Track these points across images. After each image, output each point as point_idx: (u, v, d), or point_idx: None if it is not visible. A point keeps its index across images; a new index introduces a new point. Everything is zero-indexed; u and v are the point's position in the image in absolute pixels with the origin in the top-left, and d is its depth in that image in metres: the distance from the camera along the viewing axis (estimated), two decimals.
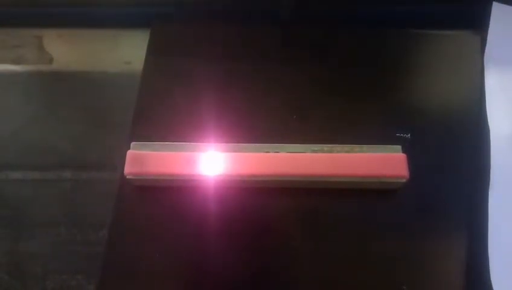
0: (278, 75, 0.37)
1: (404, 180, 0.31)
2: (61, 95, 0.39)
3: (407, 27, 0.40)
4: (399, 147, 0.32)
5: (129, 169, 0.31)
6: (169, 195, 0.32)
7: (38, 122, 0.37)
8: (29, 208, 0.34)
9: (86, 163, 0.35)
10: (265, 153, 0.31)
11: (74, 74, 0.40)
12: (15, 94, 0.39)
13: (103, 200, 0.33)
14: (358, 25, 0.41)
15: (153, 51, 0.38)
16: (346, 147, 0.32)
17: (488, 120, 0.35)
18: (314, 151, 0.32)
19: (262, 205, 0.32)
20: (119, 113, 0.37)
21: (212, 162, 0.31)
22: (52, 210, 0.33)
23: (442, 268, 0.31)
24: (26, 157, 0.36)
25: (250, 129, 0.34)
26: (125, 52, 0.41)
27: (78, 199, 0.34)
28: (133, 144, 0.32)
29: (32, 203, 0.34)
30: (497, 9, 0.39)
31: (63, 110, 0.38)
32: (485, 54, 0.38)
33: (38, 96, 0.39)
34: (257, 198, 0.32)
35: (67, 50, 0.41)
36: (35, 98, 0.39)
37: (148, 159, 0.31)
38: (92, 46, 0.41)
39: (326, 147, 0.32)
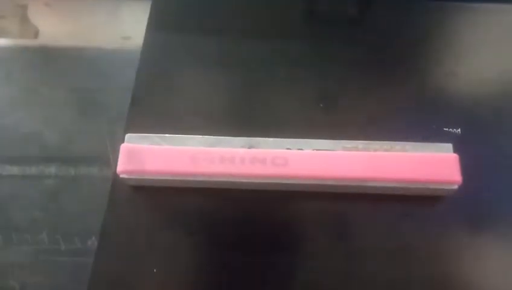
0: (301, 55, 0.35)
1: (456, 186, 0.28)
2: (47, 75, 0.37)
3: None
4: (450, 145, 0.29)
5: (123, 166, 0.28)
6: (170, 198, 0.30)
7: (19, 107, 0.36)
8: (6, 209, 0.32)
9: (75, 156, 0.34)
10: (285, 150, 0.29)
11: (63, 49, 0.38)
12: None
13: (94, 202, 0.31)
14: None
15: (154, 25, 0.36)
16: (385, 144, 0.29)
17: None
18: (345, 148, 0.29)
19: (281, 211, 0.30)
20: (115, 97, 0.35)
21: (221, 160, 0.28)
22: (33, 213, 0.32)
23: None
24: (4, 149, 0.34)
25: (267, 120, 0.32)
26: (124, 25, 0.40)
27: (64, 200, 0.32)
28: (127, 135, 0.29)
29: (9, 203, 0.32)
30: None
31: (49, 92, 0.36)
32: None
33: (20, 75, 0.37)
34: (274, 204, 0.29)
35: (56, 22, 0.40)
36: (17, 77, 0.37)
37: (145, 155, 0.29)
38: (85, 18, 0.40)
39: (360, 144, 0.29)
